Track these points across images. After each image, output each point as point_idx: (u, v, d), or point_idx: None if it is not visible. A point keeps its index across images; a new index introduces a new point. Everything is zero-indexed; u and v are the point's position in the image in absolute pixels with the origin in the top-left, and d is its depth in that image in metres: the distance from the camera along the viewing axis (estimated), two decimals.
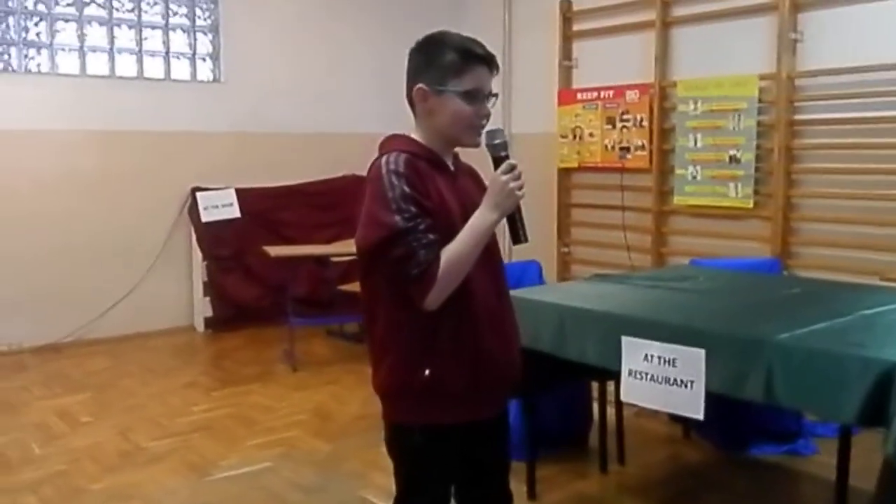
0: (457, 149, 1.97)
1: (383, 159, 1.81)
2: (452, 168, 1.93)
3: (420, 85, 1.84)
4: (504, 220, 1.83)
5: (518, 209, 1.84)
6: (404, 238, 1.72)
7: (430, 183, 1.81)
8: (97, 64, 6.02)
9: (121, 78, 6.09)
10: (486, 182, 1.94)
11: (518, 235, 1.86)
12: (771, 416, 3.68)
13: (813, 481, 3.44)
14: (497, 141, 1.87)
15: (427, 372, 1.80)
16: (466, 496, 2.05)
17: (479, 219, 1.79)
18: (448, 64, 1.82)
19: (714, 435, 3.79)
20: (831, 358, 2.18)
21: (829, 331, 2.41)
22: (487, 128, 1.90)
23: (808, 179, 5.00)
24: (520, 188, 1.79)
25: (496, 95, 1.90)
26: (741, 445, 3.72)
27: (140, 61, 6.19)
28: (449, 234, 1.77)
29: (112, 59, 6.06)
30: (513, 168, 1.81)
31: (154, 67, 6.27)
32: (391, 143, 1.89)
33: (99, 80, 5.97)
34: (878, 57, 4.49)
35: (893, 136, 4.51)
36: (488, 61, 1.85)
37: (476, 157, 2.03)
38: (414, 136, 1.91)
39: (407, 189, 1.75)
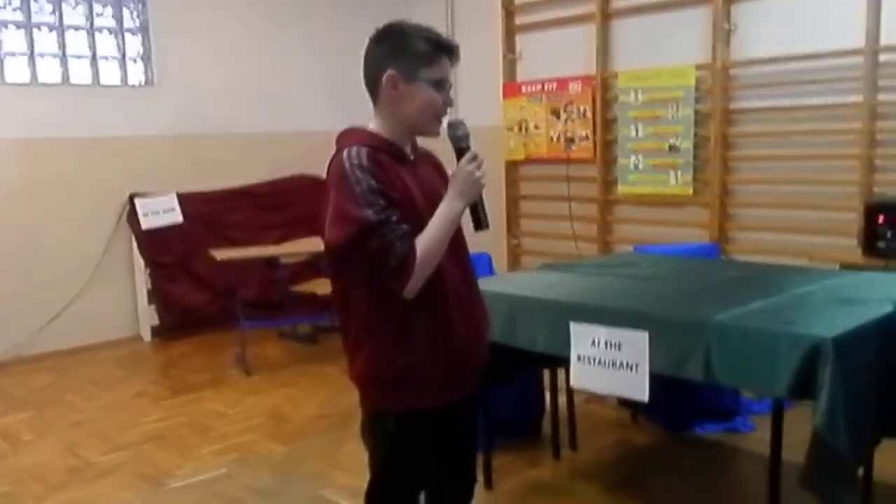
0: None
1: (344, 154, 1.82)
2: (412, 157, 1.96)
3: (392, 72, 1.84)
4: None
5: (480, 197, 1.90)
6: (378, 231, 1.75)
7: (394, 175, 1.84)
8: (16, 70, 5.76)
9: (44, 84, 5.86)
10: (445, 166, 2.02)
11: (480, 222, 1.92)
12: (711, 396, 3.82)
13: (751, 457, 3.57)
14: (459, 132, 1.92)
15: (402, 361, 1.85)
16: (437, 480, 2.09)
17: (447, 207, 1.84)
18: (420, 52, 1.85)
19: (659, 417, 3.90)
20: (764, 336, 2.27)
21: (762, 310, 2.51)
22: (449, 119, 1.94)
23: (744, 166, 5.16)
24: (483, 176, 1.86)
25: (451, 86, 1.94)
26: (685, 426, 3.85)
27: (64, 66, 5.96)
28: (416, 224, 1.81)
29: (33, 65, 5.81)
30: (475, 157, 1.87)
31: (80, 72, 6.06)
32: (350, 137, 1.90)
33: (19, 88, 5.73)
34: (808, 46, 4.66)
35: (823, 122, 4.69)
36: (453, 52, 1.90)
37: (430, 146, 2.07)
38: (372, 126, 1.92)
39: (373, 183, 1.77)
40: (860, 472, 2.56)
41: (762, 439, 3.04)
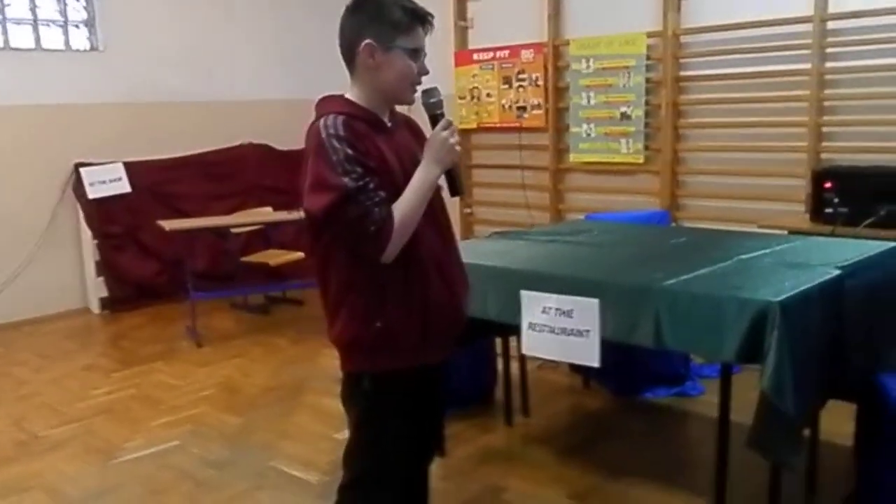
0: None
1: (321, 122, 1.83)
2: (389, 124, 1.97)
3: (368, 41, 1.85)
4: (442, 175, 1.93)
5: (455, 164, 1.93)
6: (356, 198, 1.77)
7: (370, 143, 1.85)
8: None
9: None
10: (424, 132, 2.03)
11: (456, 188, 1.97)
12: (661, 362, 3.89)
13: (700, 420, 3.66)
14: (433, 99, 1.95)
15: (378, 324, 1.87)
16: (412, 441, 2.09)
17: (423, 173, 1.87)
18: (397, 21, 1.85)
19: (611, 382, 3.96)
20: (712, 301, 2.31)
21: (710, 276, 2.54)
22: (423, 87, 1.95)
23: (694, 134, 5.21)
24: (457, 143, 1.90)
25: (426, 54, 1.95)
26: (635, 391, 3.91)
27: (4, 31, 5.77)
28: (393, 192, 1.84)
29: None
30: (450, 124, 1.90)
31: (21, 36, 5.86)
32: (326, 104, 1.92)
33: None
34: (757, 13, 4.69)
35: (769, 90, 4.75)
36: (427, 21, 1.91)
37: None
38: (349, 95, 1.93)
39: (350, 151, 1.79)
40: (806, 432, 2.63)
41: (711, 403, 3.11)
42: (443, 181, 1.94)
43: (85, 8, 6.14)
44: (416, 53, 1.90)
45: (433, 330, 1.95)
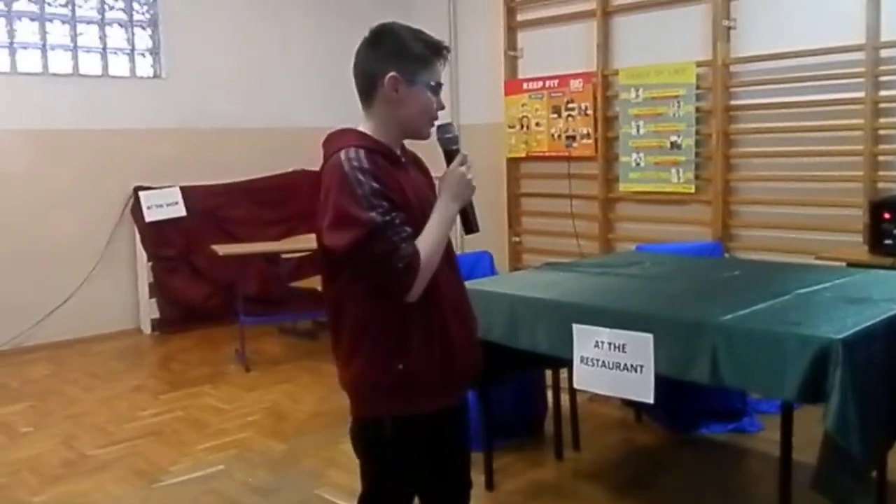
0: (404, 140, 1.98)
1: (342, 155, 1.78)
2: (402, 160, 1.93)
3: (393, 73, 1.82)
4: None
5: (470, 200, 1.90)
6: (384, 233, 1.72)
7: (390, 177, 1.81)
8: (29, 61, 5.82)
9: (54, 75, 5.90)
10: (430, 168, 2.01)
11: (471, 225, 1.92)
12: (717, 396, 3.77)
13: (759, 457, 3.54)
14: (449, 135, 1.91)
15: (400, 366, 1.82)
16: (430, 486, 2.05)
17: (442, 210, 1.84)
18: (419, 55, 1.84)
19: (664, 417, 3.87)
20: (771, 337, 2.24)
21: (768, 311, 2.47)
22: (437, 122, 1.93)
23: (746, 163, 5.14)
24: (473, 178, 1.86)
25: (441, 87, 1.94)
26: (690, 426, 3.81)
27: (75, 57, 6.01)
28: (413, 227, 1.79)
29: (45, 56, 5.87)
30: (466, 159, 1.87)
31: (90, 64, 6.09)
32: (342, 138, 1.86)
33: (31, 78, 5.78)
34: (808, 42, 4.63)
35: (823, 119, 4.67)
36: (445, 56, 1.89)
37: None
38: (362, 128, 1.89)
39: (375, 184, 1.74)
40: (874, 474, 2.53)
41: (770, 439, 3.02)
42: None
43: (150, 37, 6.36)
44: (437, 88, 1.88)
45: (454, 372, 1.90)
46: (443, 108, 1.91)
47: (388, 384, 1.83)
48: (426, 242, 1.78)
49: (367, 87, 1.87)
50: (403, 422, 1.87)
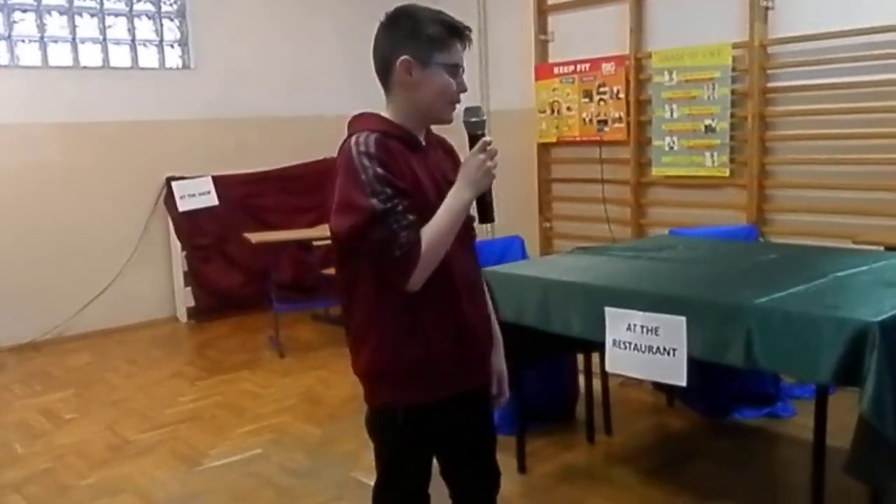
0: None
1: (352, 140, 1.76)
2: (424, 143, 1.89)
3: (405, 56, 1.78)
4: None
5: (489, 188, 1.82)
6: (384, 221, 1.69)
7: (403, 162, 1.77)
8: (59, 54, 5.90)
9: (85, 68, 5.98)
10: (458, 152, 1.95)
11: (486, 214, 1.85)
12: (750, 381, 3.75)
13: (792, 442, 3.52)
14: (474, 119, 1.84)
15: (410, 353, 1.79)
16: (454, 475, 2.04)
17: (456, 197, 1.77)
18: (434, 36, 1.78)
19: (696, 402, 3.85)
20: (808, 320, 2.22)
21: (805, 294, 2.45)
22: (466, 105, 1.87)
23: (782, 146, 5.05)
24: (495, 167, 1.78)
25: (464, 70, 1.87)
26: (723, 411, 3.79)
27: (105, 50, 6.08)
28: (425, 213, 1.75)
29: (75, 49, 5.95)
30: (487, 146, 1.79)
31: (120, 56, 6.16)
32: (360, 122, 1.85)
33: (61, 71, 5.86)
34: (847, 22, 4.52)
35: (862, 100, 4.56)
36: (465, 36, 1.83)
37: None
38: (384, 113, 1.87)
39: (380, 170, 1.71)
40: None
41: (804, 425, 2.99)
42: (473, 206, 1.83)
43: (179, 28, 6.41)
44: (455, 69, 1.81)
45: (468, 356, 1.88)
46: (465, 90, 1.84)
47: (398, 372, 1.81)
48: (432, 230, 1.73)
49: (384, 71, 1.84)
50: (415, 410, 1.84)
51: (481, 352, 1.96)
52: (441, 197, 1.78)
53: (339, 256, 1.85)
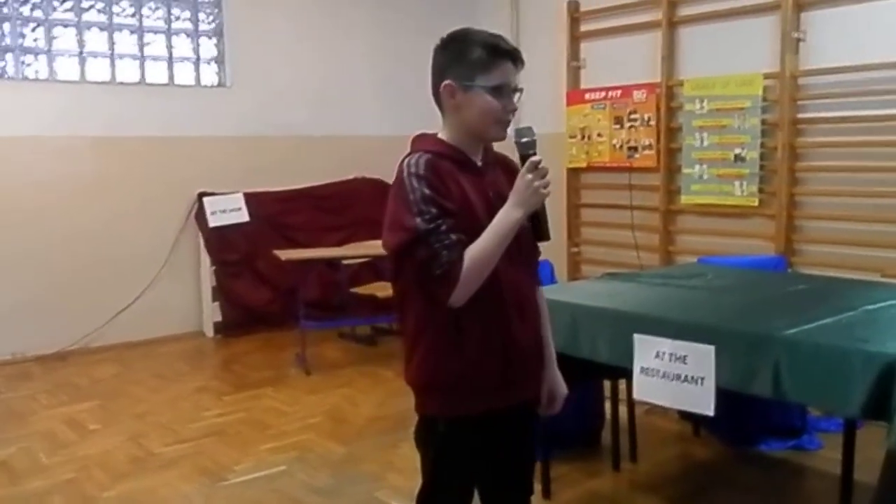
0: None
1: (405, 162, 1.85)
2: (481, 163, 1.94)
3: (448, 81, 1.86)
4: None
5: (542, 207, 1.86)
6: (426, 240, 1.76)
7: (453, 182, 1.84)
8: (97, 70, 6.01)
9: (122, 84, 6.08)
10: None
11: (540, 233, 1.90)
12: (777, 412, 3.72)
13: (818, 475, 3.47)
14: (524, 139, 1.87)
15: (454, 366, 1.85)
16: (490, 490, 2.07)
17: (504, 216, 1.82)
18: (475, 60, 1.84)
19: (722, 432, 3.82)
20: (837, 353, 2.21)
21: (834, 326, 2.44)
22: (518, 125, 1.91)
23: (812, 177, 5.03)
24: (545, 186, 1.82)
25: (521, 90, 1.92)
26: (749, 441, 3.76)
27: (142, 66, 6.19)
28: (474, 232, 1.80)
29: (112, 65, 6.05)
30: (537, 166, 1.82)
31: (157, 72, 6.27)
32: (418, 143, 1.94)
33: (99, 87, 5.97)
34: (879, 55, 4.51)
35: (893, 133, 4.54)
36: (514, 56, 1.88)
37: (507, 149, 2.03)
38: (441, 135, 1.94)
39: (427, 191, 1.78)
40: None
41: (831, 458, 2.96)
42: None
43: (216, 46, 6.52)
44: (499, 90, 1.84)
45: (514, 371, 1.91)
46: (514, 109, 1.88)
47: (441, 384, 1.88)
48: (476, 248, 1.78)
49: (435, 93, 1.92)
50: (455, 422, 1.89)
51: (529, 370, 1.99)
52: (493, 216, 1.83)
53: (393, 270, 1.92)
